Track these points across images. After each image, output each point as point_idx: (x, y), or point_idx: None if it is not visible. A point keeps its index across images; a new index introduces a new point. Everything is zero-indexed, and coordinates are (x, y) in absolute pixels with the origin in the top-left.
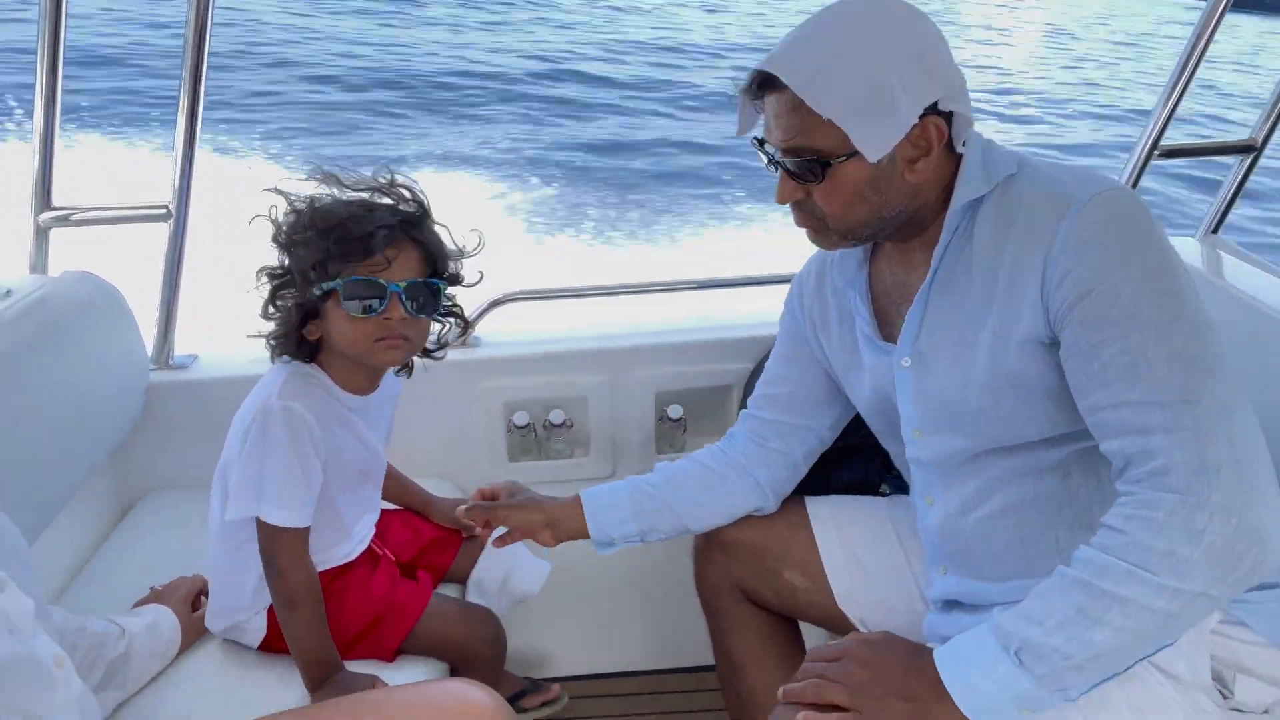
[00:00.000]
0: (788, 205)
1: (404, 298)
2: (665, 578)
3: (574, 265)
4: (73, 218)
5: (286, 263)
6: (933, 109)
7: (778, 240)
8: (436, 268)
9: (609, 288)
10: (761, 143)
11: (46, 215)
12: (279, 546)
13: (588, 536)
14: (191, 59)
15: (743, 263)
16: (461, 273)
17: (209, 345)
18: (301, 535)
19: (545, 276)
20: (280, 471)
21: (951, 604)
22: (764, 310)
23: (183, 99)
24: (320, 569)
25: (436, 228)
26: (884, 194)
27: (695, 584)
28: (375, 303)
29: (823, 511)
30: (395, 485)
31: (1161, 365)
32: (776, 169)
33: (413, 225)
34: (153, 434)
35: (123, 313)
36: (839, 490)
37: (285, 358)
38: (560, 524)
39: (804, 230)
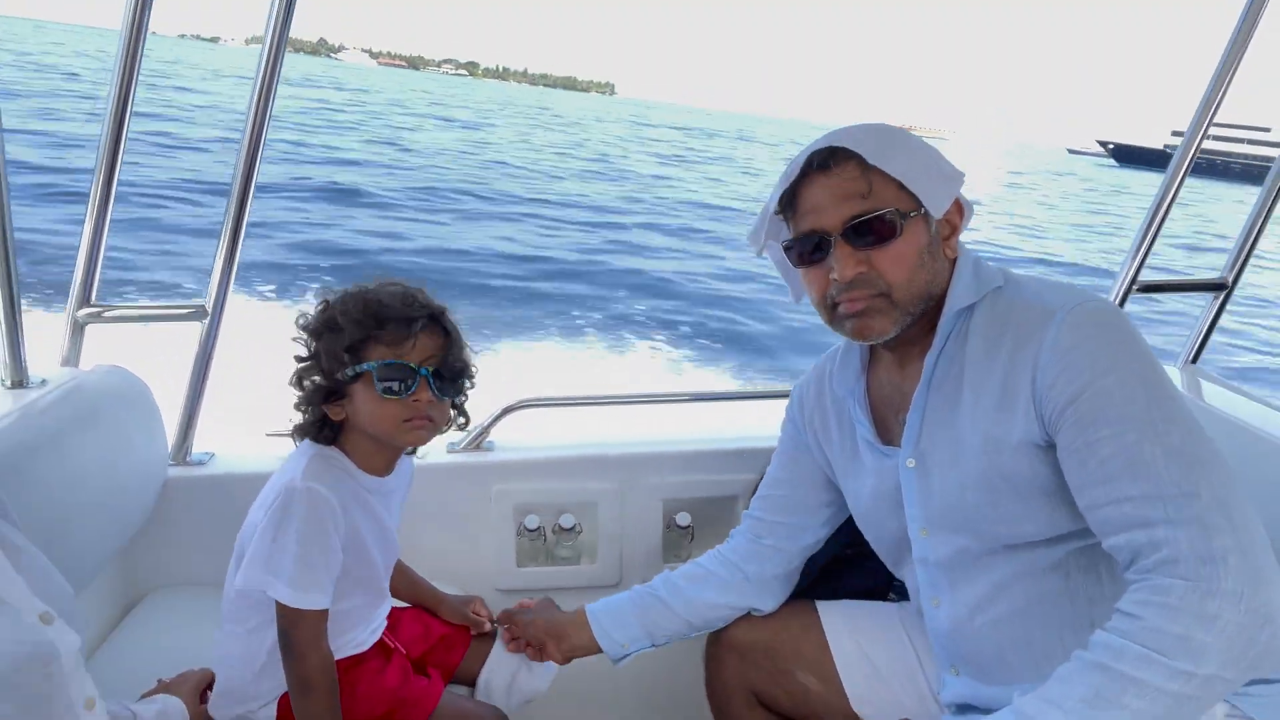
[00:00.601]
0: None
1: (431, 381)
2: (676, 681)
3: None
4: (108, 314)
5: (313, 348)
6: None
7: None
8: (456, 356)
9: (619, 397)
10: (800, 240)
11: (84, 311)
12: (297, 629)
13: (597, 651)
14: (243, 172)
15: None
16: (473, 365)
17: (226, 443)
18: (320, 618)
19: (554, 385)
20: (302, 553)
21: (965, 708)
22: (768, 422)
23: (231, 201)
24: (339, 655)
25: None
26: (935, 262)
27: (706, 688)
28: (405, 385)
29: (834, 614)
30: (405, 582)
31: (1160, 461)
32: (816, 256)
33: (442, 314)
34: (165, 529)
35: (149, 407)
36: (848, 596)
37: (307, 441)
38: (566, 639)
39: (854, 319)
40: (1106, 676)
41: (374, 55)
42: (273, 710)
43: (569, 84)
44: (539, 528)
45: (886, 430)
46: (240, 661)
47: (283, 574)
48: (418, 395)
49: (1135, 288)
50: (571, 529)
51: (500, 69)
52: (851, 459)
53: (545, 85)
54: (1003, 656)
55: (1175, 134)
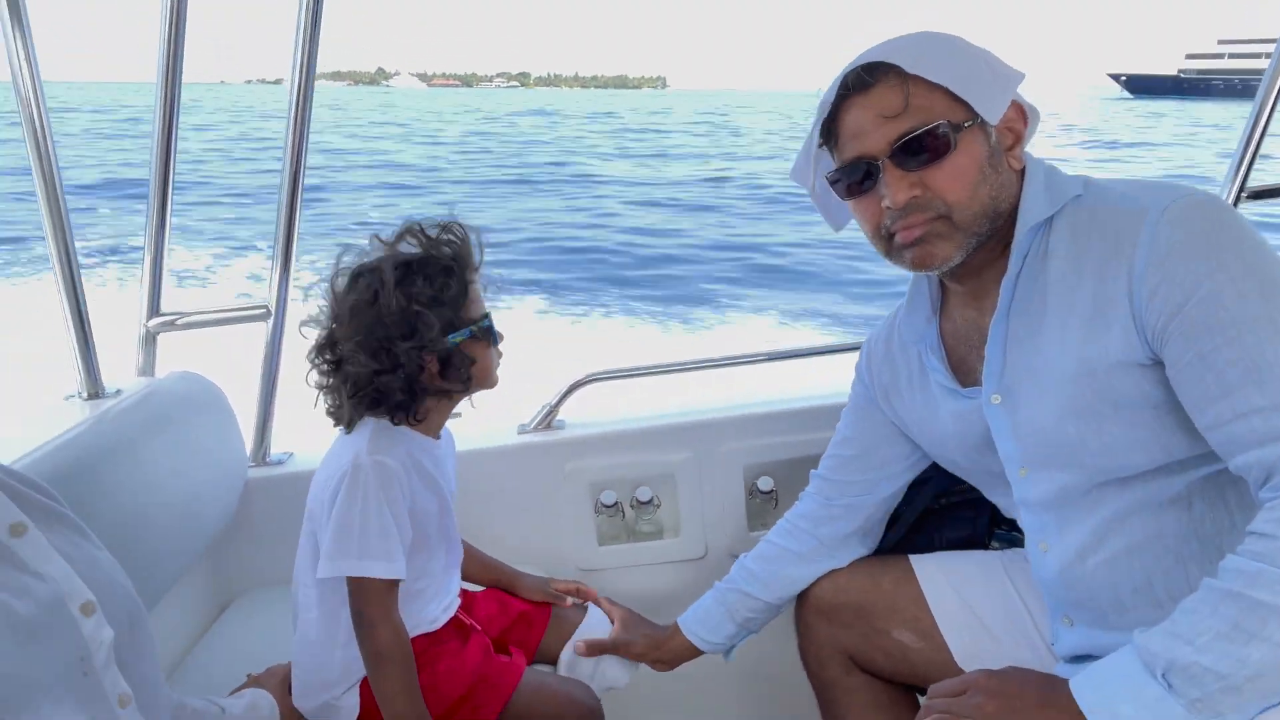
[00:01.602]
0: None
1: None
2: (767, 653)
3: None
4: (179, 321)
5: (406, 325)
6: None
7: None
8: None
9: (688, 363)
10: (846, 170)
11: (155, 321)
12: (367, 600)
13: (699, 654)
14: (291, 168)
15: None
16: None
17: (303, 443)
18: (391, 588)
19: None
20: (374, 525)
21: (1083, 659)
22: (848, 376)
23: (281, 202)
24: (413, 634)
25: None
26: (1000, 174)
27: (800, 656)
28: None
29: (930, 567)
30: (479, 565)
31: None
32: (865, 185)
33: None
34: (249, 530)
35: (224, 411)
36: (946, 549)
37: (368, 417)
38: (671, 655)
39: (913, 248)
40: (1242, 605)
41: (426, 78)
42: (355, 696)
43: (620, 82)
44: (616, 503)
45: (966, 372)
46: (318, 647)
47: (353, 549)
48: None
49: (1244, 194)
50: (649, 502)
51: (550, 76)
52: (927, 410)
53: (596, 86)
54: (1119, 600)
55: (1190, 56)
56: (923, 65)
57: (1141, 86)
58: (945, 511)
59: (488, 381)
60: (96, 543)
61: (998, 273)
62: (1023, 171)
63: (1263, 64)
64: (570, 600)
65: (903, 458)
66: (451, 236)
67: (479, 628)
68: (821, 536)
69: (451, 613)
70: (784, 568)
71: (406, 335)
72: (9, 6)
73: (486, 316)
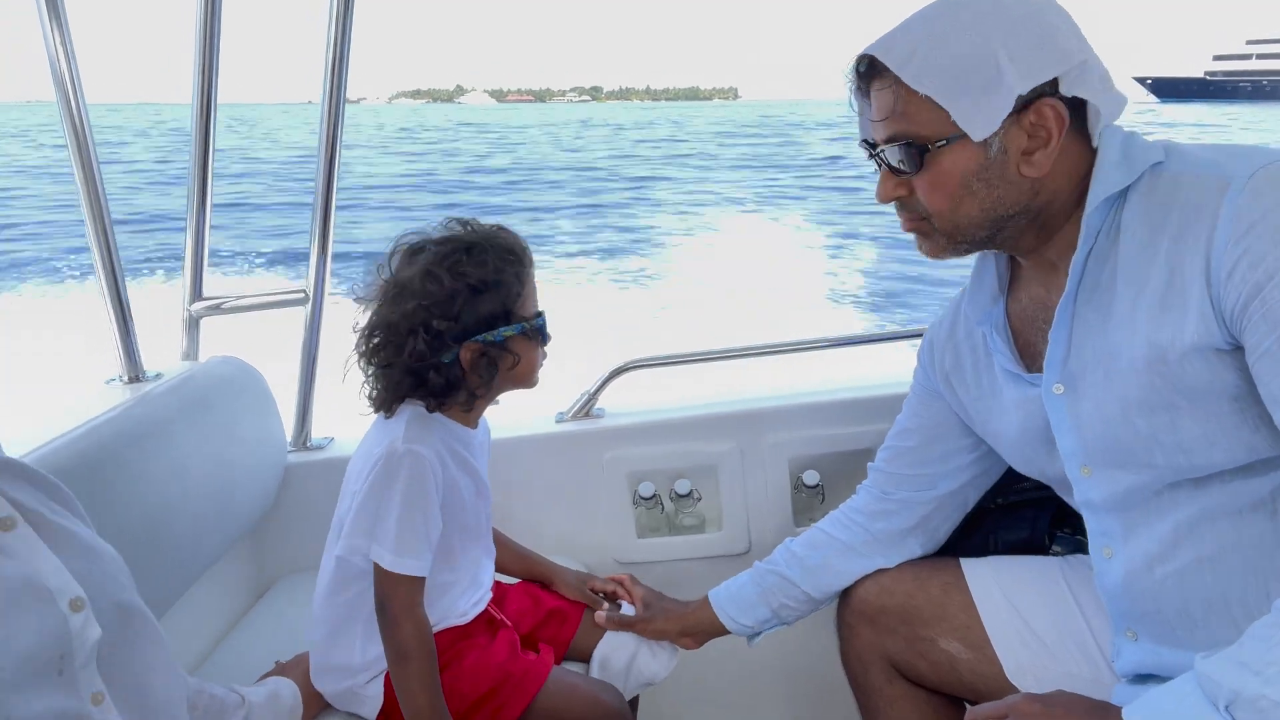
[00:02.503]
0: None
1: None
2: (808, 655)
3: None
4: (223, 306)
5: (452, 310)
6: (1051, 91)
7: None
8: None
9: (732, 351)
10: (870, 146)
11: (198, 305)
12: (394, 595)
13: (726, 632)
14: (326, 154)
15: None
16: None
17: (345, 428)
18: (416, 585)
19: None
20: (403, 517)
21: (1145, 677)
22: (901, 367)
23: (318, 187)
24: (441, 626)
25: None
26: (995, 188)
27: (841, 660)
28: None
29: (982, 572)
30: (514, 556)
31: None
32: (877, 164)
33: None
34: (289, 515)
35: (264, 396)
36: (1002, 552)
37: (406, 402)
38: (697, 629)
39: (912, 237)
40: None
41: (501, 94)
42: (379, 687)
43: (692, 94)
44: (654, 495)
45: (1033, 356)
46: (338, 632)
47: (386, 538)
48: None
49: None
50: (688, 495)
51: (622, 89)
52: (991, 397)
53: (667, 99)
54: (1190, 616)
55: (1218, 58)
56: (912, 67)
57: (1168, 90)
58: (1002, 511)
59: (528, 381)
60: (90, 534)
61: (1064, 250)
62: (1093, 151)
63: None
64: (606, 606)
65: (964, 451)
66: (507, 232)
67: (509, 623)
68: (875, 531)
69: (482, 606)
70: (831, 557)
71: (450, 317)
72: (50, 12)
73: (540, 315)
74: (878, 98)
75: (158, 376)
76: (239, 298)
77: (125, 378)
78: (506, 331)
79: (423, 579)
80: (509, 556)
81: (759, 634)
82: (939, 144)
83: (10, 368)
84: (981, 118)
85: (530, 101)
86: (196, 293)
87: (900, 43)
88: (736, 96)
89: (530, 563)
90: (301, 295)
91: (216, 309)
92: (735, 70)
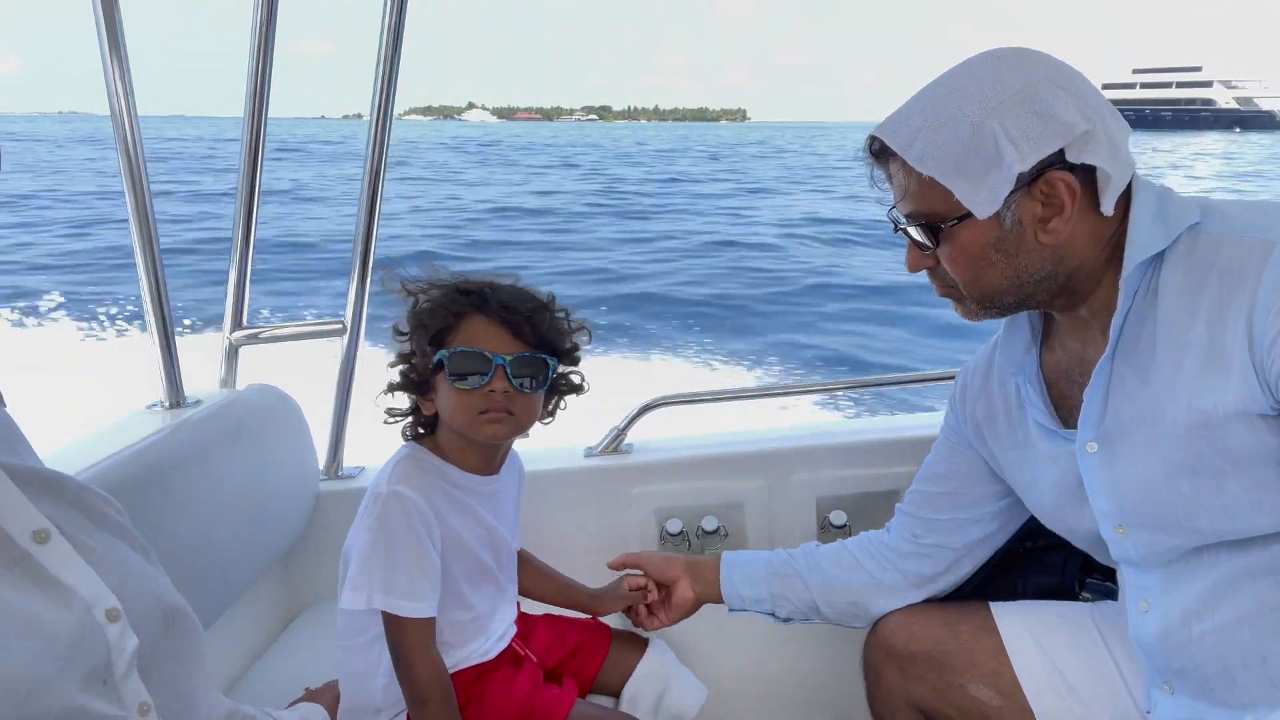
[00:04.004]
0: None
1: (509, 370)
2: (835, 694)
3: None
4: (261, 335)
5: (409, 341)
6: (1058, 161)
7: None
8: (551, 346)
9: (762, 390)
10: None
11: (239, 334)
12: (402, 638)
13: (719, 594)
14: (369, 188)
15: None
16: (580, 351)
17: (377, 457)
18: (425, 626)
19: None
20: (394, 559)
21: None
22: (930, 409)
23: (360, 220)
24: (459, 667)
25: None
26: (1015, 258)
27: (867, 701)
28: (480, 374)
29: (1012, 617)
30: (550, 583)
31: None
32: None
33: (534, 305)
34: (320, 543)
35: (299, 424)
36: (1031, 597)
37: (407, 442)
38: (698, 571)
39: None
40: None
41: (507, 112)
42: None
43: (700, 115)
44: (681, 532)
45: (1069, 410)
46: (362, 675)
47: (379, 582)
48: (493, 385)
49: None
50: (715, 531)
51: (631, 109)
52: (1024, 449)
53: (675, 119)
54: (1229, 674)
55: (1106, 87)
56: (914, 151)
57: None
58: (1032, 555)
59: (456, 421)
60: (134, 544)
61: (1100, 308)
62: (1119, 214)
63: (1173, 93)
64: (643, 619)
65: (995, 498)
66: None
67: (533, 658)
68: (906, 571)
69: (505, 643)
70: (857, 587)
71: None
72: (108, 37)
73: (467, 355)
74: (894, 176)
75: (197, 403)
76: (278, 327)
77: (167, 403)
78: (435, 359)
79: (430, 620)
80: (543, 581)
81: (744, 611)
82: (950, 223)
83: (49, 387)
84: (984, 197)
85: (538, 120)
86: (237, 322)
87: (904, 126)
88: (745, 118)
89: (571, 589)
90: (340, 327)
91: (255, 338)
92: (743, 93)
